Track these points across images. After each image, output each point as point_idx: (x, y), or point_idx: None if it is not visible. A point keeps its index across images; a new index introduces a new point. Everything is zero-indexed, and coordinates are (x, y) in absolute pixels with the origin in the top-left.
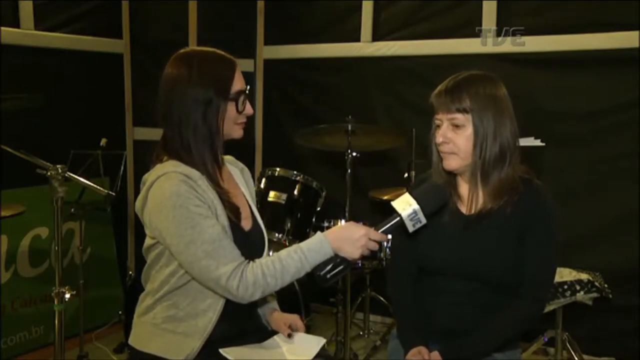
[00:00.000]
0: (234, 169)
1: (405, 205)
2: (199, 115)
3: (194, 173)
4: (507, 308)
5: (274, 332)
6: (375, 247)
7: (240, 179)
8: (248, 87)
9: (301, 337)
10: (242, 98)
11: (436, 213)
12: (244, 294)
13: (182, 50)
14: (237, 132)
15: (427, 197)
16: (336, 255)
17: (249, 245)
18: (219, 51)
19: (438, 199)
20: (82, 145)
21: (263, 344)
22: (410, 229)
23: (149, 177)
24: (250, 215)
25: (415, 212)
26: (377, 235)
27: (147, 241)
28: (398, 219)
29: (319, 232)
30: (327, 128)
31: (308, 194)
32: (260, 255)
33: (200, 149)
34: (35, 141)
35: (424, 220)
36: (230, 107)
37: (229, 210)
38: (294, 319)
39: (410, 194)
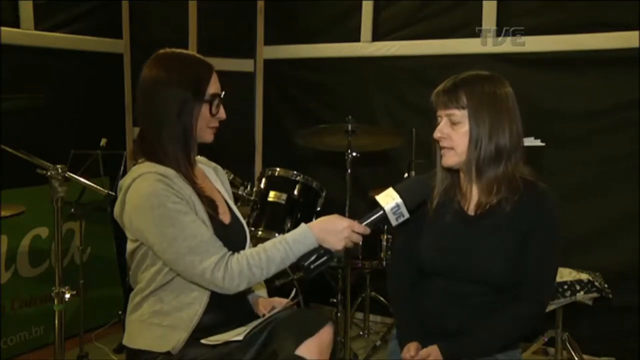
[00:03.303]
0: (207, 169)
1: (389, 199)
2: (174, 115)
3: (169, 172)
4: (508, 310)
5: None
6: (358, 239)
7: (214, 177)
8: (223, 92)
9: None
10: (216, 101)
11: (420, 206)
12: (229, 285)
13: (161, 51)
14: (208, 136)
15: (411, 192)
16: (320, 247)
17: (230, 239)
18: (197, 55)
19: (422, 193)
20: (82, 145)
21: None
22: (394, 222)
23: (124, 182)
24: (227, 211)
25: (398, 205)
26: (360, 227)
27: (130, 245)
28: (381, 212)
29: (303, 224)
30: (327, 128)
31: (308, 194)
32: (241, 248)
33: (174, 147)
34: (35, 141)
35: (406, 215)
36: (205, 109)
37: (207, 205)
38: (276, 300)
39: (394, 188)
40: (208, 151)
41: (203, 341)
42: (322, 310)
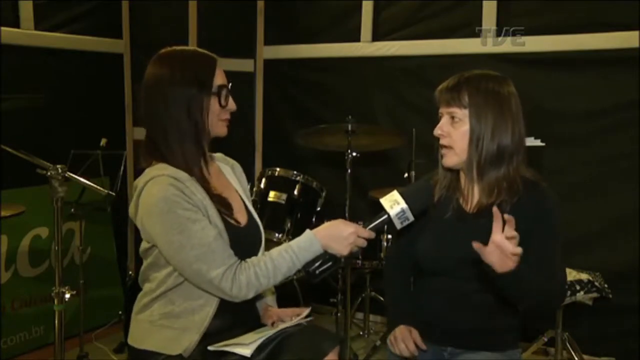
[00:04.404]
0: (225, 166)
1: (394, 203)
2: (183, 113)
3: (182, 174)
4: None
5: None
6: (363, 244)
7: (231, 175)
8: (230, 84)
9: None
10: (224, 92)
11: (424, 211)
12: (237, 294)
13: (163, 50)
14: (221, 129)
15: (416, 197)
16: (325, 252)
17: (246, 240)
18: (200, 50)
19: (426, 198)
20: (82, 145)
21: (255, 331)
22: (398, 226)
23: (138, 183)
24: (244, 210)
25: (403, 210)
26: (365, 232)
27: (144, 244)
28: (386, 216)
29: (308, 230)
30: (327, 128)
31: (308, 194)
32: (257, 248)
33: (185, 146)
34: (35, 141)
35: (411, 218)
36: (214, 102)
37: (219, 204)
38: (285, 312)
39: (399, 191)
40: (208, 150)
41: (210, 348)
42: (329, 323)
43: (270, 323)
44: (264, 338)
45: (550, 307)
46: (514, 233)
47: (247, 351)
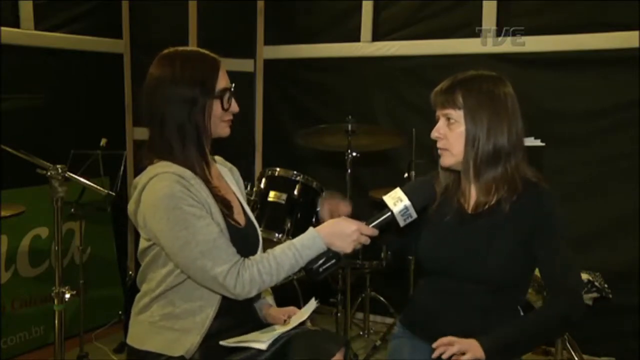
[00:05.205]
0: (223, 169)
1: (397, 200)
2: (184, 115)
3: (187, 173)
4: (542, 307)
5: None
6: (366, 241)
7: (230, 178)
8: (233, 85)
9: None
10: (227, 95)
11: (426, 208)
12: (241, 292)
13: (165, 51)
14: (224, 130)
15: (418, 193)
16: (328, 250)
17: (245, 241)
18: (202, 50)
19: (428, 195)
20: (82, 145)
21: (262, 330)
22: (401, 223)
23: (140, 180)
24: (242, 212)
25: (406, 207)
26: (368, 230)
27: (142, 244)
28: (389, 214)
29: (311, 228)
30: (327, 128)
31: (308, 194)
32: (255, 249)
33: (187, 148)
34: (35, 141)
35: (414, 215)
36: (216, 105)
37: (222, 205)
38: (290, 309)
39: (402, 189)
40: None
41: (222, 343)
42: (331, 325)
43: (282, 321)
44: (277, 335)
45: (574, 314)
46: (447, 339)
47: (262, 345)
